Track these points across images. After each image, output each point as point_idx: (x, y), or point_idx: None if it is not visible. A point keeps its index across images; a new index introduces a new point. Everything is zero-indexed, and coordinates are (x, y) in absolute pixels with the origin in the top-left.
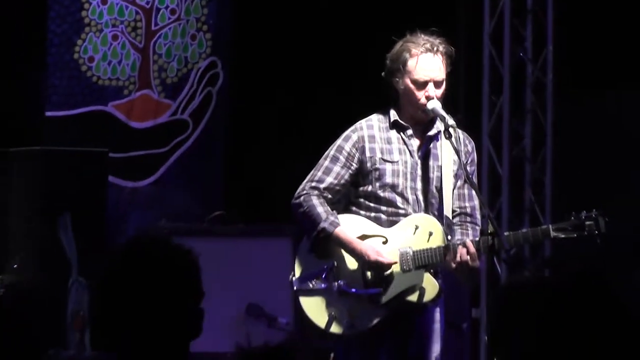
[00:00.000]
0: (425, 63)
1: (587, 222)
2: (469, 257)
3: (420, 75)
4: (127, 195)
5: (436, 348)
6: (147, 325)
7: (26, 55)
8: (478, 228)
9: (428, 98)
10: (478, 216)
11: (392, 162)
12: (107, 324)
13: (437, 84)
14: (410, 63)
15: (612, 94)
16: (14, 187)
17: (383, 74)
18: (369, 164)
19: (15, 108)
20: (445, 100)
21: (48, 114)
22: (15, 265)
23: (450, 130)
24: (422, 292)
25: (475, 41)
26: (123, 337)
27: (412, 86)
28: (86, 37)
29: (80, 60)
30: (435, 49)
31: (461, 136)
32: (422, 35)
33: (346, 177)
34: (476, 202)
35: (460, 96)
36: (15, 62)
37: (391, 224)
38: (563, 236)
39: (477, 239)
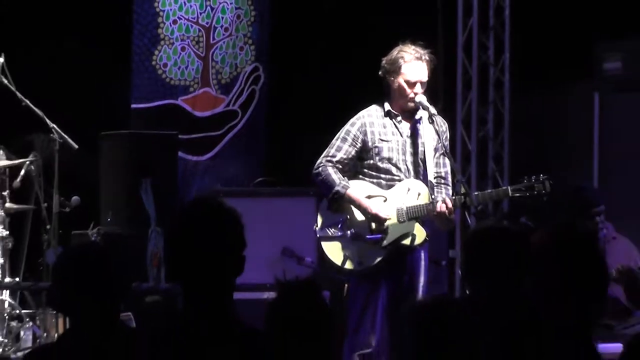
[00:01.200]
0: (416, 68)
1: (537, 184)
2: (446, 211)
3: (412, 77)
4: (191, 166)
5: (422, 279)
6: (204, 264)
7: (115, 62)
8: (450, 187)
9: (416, 94)
10: (450, 178)
11: (387, 141)
12: (176, 261)
13: (423, 84)
14: (405, 67)
15: (554, 90)
16: (108, 161)
17: (380, 73)
18: (370, 143)
19: (108, 102)
20: (428, 94)
21: (133, 106)
22: (109, 219)
23: (433, 117)
24: (413, 237)
25: (451, 50)
26: (187, 272)
27: (404, 85)
28: (161, 48)
29: (157, 66)
30: (423, 57)
31: (439, 120)
32: (412, 46)
33: (353, 153)
34: (448, 168)
35: (440, 91)
36: (107, 67)
37: (389, 187)
38: (518, 195)
39: (452, 197)
